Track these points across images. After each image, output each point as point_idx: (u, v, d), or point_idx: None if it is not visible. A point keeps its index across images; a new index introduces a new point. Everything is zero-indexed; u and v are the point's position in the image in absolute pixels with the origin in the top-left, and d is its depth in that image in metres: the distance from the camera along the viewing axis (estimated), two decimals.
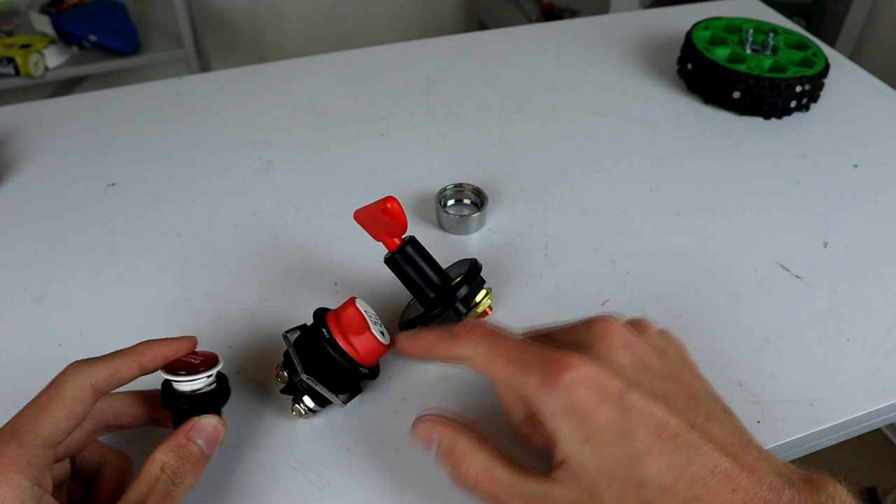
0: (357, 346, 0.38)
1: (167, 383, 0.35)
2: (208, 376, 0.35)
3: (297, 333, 0.40)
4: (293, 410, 0.40)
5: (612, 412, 0.30)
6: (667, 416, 0.30)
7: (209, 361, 0.36)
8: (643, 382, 0.31)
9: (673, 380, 0.33)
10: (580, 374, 0.30)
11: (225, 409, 0.38)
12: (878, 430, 1.37)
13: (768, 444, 0.40)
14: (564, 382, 0.30)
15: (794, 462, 0.43)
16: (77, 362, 0.33)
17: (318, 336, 0.38)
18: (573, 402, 0.30)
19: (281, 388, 0.41)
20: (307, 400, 0.39)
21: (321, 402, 0.40)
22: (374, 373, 0.41)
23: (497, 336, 0.34)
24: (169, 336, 0.37)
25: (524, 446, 0.37)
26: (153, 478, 0.31)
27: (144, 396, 0.37)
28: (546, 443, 0.33)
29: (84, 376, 0.32)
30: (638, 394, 0.30)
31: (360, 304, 0.39)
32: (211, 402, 0.35)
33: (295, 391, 0.40)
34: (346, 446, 0.40)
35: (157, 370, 0.35)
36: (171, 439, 0.33)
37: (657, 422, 0.30)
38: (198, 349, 0.37)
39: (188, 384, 0.34)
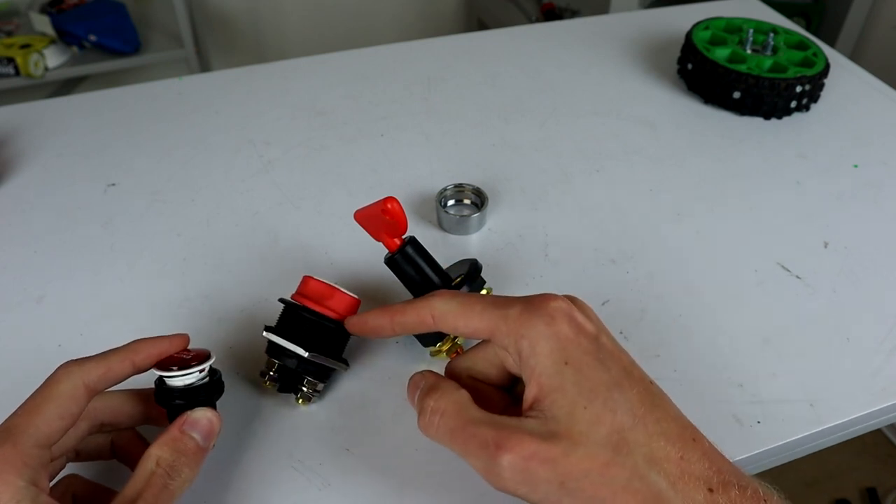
0: (335, 308, 0.40)
1: (160, 380, 0.35)
2: (200, 370, 0.35)
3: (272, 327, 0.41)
4: (299, 399, 0.40)
5: (589, 344, 0.32)
6: (631, 365, 0.33)
7: (201, 356, 0.36)
8: (608, 336, 0.34)
9: (623, 349, 0.35)
10: (561, 305, 0.32)
11: (225, 410, 0.38)
12: (879, 431, 1.37)
13: (768, 444, 0.40)
14: (548, 309, 0.32)
15: (794, 462, 0.43)
16: (69, 362, 0.33)
17: (297, 317, 0.40)
18: (555, 327, 0.31)
19: (278, 388, 0.41)
20: (310, 381, 0.40)
21: (324, 376, 0.40)
22: None
23: (468, 293, 0.35)
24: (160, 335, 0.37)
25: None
26: (149, 473, 0.31)
27: (139, 395, 0.37)
28: (505, 404, 0.35)
29: (76, 375, 0.32)
30: (607, 338, 0.33)
31: (317, 278, 0.41)
32: (204, 396, 0.35)
33: (293, 381, 0.40)
34: (346, 446, 0.40)
35: (150, 368, 0.35)
36: (166, 434, 0.33)
37: (626, 364, 0.32)
38: (196, 348, 0.37)
39: (180, 379, 0.34)
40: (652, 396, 0.31)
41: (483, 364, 0.36)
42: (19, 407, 0.32)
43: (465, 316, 0.34)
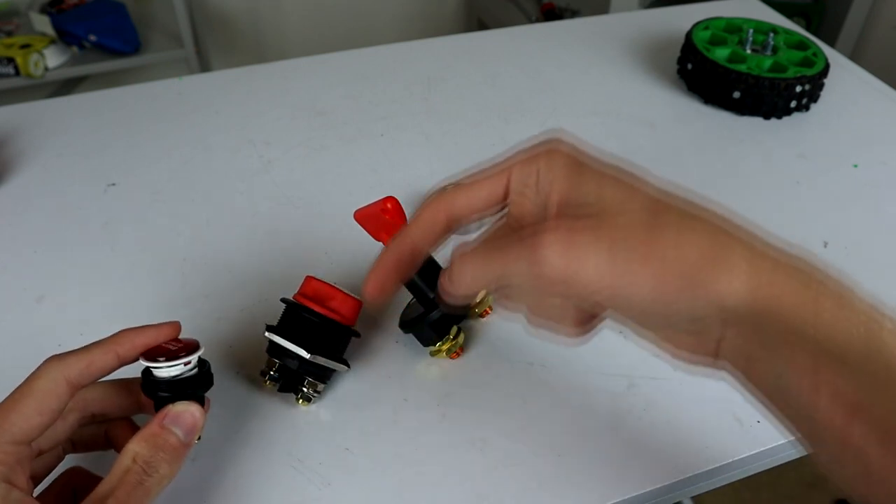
0: (337, 309, 0.40)
1: (147, 370, 0.35)
2: (186, 363, 0.34)
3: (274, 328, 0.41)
4: (300, 400, 0.40)
5: (599, 156, 0.31)
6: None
7: (190, 347, 0.35)
8: None
9: None
10: (561, 136, 0.31)
11: (225, 409, 0.38)
12: None
13: (768, 444, 0.40)
14: (551, 142, 0.31)
15: (794, 462, 0.43)
16: (52, 357, 0.33)
17: (299, 318, 0.39)
18: (562, 148, 0.30)
19: (278, 388, 0.41)
20: (311, 381, 0.40)
21: (324, 377, 0.40)
22: (357, 332, 0.42)
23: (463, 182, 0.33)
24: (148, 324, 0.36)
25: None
26: (124, 469, 0.31)
27: (130, 385, 0.36)
28: None
29: (57, 370, 0.32)
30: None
31: (320, 279, 0.41)
32: (191, 388, 0.35)
33: (294, 382, 0.40)
34: (346, 446, 0.40)
35: (136, 359, 0.34)
36: (145, 429, 0.32)
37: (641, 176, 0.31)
38: (186, 338, 0.37)
39: (166, 370, 0.34)
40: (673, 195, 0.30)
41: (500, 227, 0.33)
42: None
43: (475, 188, 0.31)
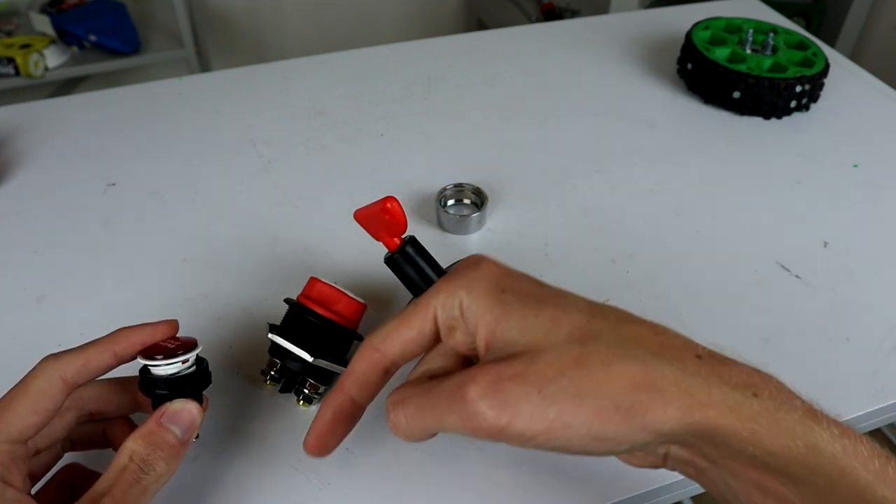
0: (342, 312, 0.40)
1: (145, 368, 0.35)
2: (184, 360, 0.34)
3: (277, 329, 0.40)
4: (300, 402, 0.40)
5: (520, 275, 0.31)
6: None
7: (187, 345, 0.35)
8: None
9: None
10: (481, 255, 0.32)
11: (225, 409, 0.38)
12: (879, 430, 1.37)
13: None
14: (469, 261, 0.32)
15: None
16: (48, 356, 0.33)
17: (303, 320, 0.39)
18: (482, 268, 0.31)
19: (279, 388, 0.41)
20: (313, 384, 0.40)
21: (326, 379, 0.40)
22: (360, 335, 0.42)
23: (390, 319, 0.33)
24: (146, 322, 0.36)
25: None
26: (121, 467, 0.30)
27: (127, 383, 0.36)
28: None
29: (53, 369, 0.32)
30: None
31: (324, 280, 0.41)
32: (189, 386, 0.34)
33: (294, 383, 0.40)
34: (346, 446, 0.40)
35: (134, 357, 0.34)
36: (143, 427, 0.32)
37: (564, 291, 0.31)
38: (184, 336, 0.36)
39: (163, 368, 0.34)
40: (597, 303, 0.30)
41: (438, 360, 0.33)
42: None
43: (405, 323, 0.31)
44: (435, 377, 0.32)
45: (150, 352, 0.34)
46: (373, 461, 0.39)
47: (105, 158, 0.62)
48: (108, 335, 0.34)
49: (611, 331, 0.27)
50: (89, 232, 0.54)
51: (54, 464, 0.35)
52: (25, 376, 0.32)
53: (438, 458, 0.39)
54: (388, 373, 0.32)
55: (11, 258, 0.52)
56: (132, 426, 0.37)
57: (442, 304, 0.30)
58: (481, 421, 0.26)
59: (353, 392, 0.32)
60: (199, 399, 0.35)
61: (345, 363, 0.41)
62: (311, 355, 0.38)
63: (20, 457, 0.31)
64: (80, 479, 0.36)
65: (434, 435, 0.30)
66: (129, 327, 0.35)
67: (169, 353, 0.34)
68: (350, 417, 0.33)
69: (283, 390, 0.41)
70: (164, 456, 0.31)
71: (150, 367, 0.34)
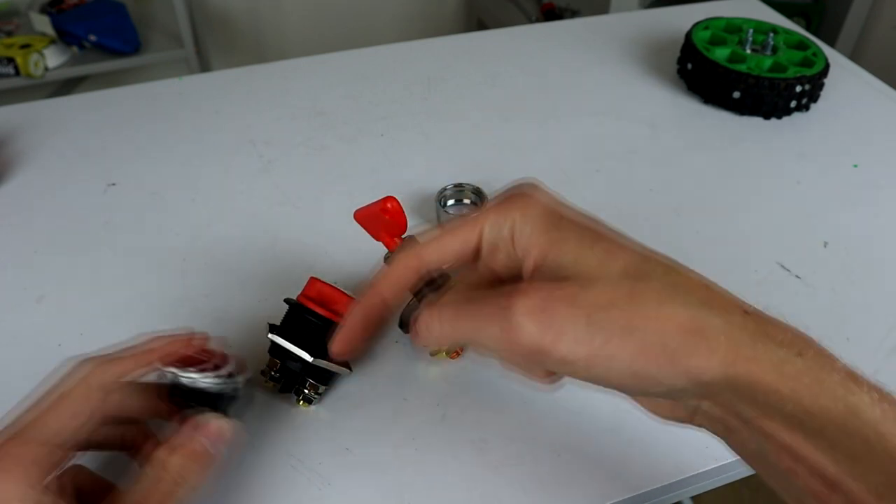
0: (342, 313, 0.40)
1: (176, 378, 0.35)
2: (217, 376, 0.34)
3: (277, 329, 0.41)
4: (300, 402, 0.40)
5: (572, 208, 0.30)
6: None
7: (222, 361, 0.35)
8: None
9: None
10: (534, 183, 0.31)
11: None
12: None
13: None
14: (523, 189, 0.30)
15: None
16: (85, 360, 0.33)
17: (303, 320, 0.39)
18: (537, 198, 0.30)
19: (279, 388, 0.41)
20: (313, 384, 0.40)
21: (326, 379, 0.41)
22: None
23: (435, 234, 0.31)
24: (178, 332, 0.36)
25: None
26: (155, 478, 0.31)
27: (149, 389, 0.36)
28: None
29: (93, 376, 0.32)
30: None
31: (324, 280, 0.41)
32: (218, 402, 0.34)
33: (295, 383, 0.40)
34: (346, 446, 0.40)
35: (168, 367, 0.34)
36: (175, 438, 0.32)
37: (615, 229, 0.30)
38: (218, 349, 0.37)
39: (196, 381, 0.34)
40: (653, 251, 0.29)
41: (473, 279, 0.32)
42: (31, 404, 0.31)
43: (448, 236, 0.30)
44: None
45: (185, 363, 0.34)
46: (373, 461, 0.39)
47: (105, 158, 0.62)
48: (143, 344, 0.34)
49: (664, 274, 0.27)
50: (89, 232, 0.54)
51: (65, 462, 0.35)
52: (62, 379, 0.32)
53: (438, 459, 0.39)
54: (421, 279, 0.32)
55: (11, 258, 0.52)
56: (150, 435, 0.36)
57: (492, 224, 0.29)
58: (524, 335, 0.26)
59: (387, 293, 0.31)
60: (227, 413, 0.35)
61: (345, 363, 0.41)
62: (311, 355, 0.38)
63: (57, 461, 0.31)
64: (85, 481, 0.35)
65: (458, 353, 0.29)
66: (163, 336, 0.35)
67: (204, 367, 0.34)
68: (379, 319, 0.32)
69: (283, 390, 0.41)
70: (196, 468, 0.32)
71: (182, 379, 0.34)
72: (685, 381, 0.25)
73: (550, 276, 0.27)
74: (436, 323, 0.29)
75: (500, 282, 0.31)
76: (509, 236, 0.29)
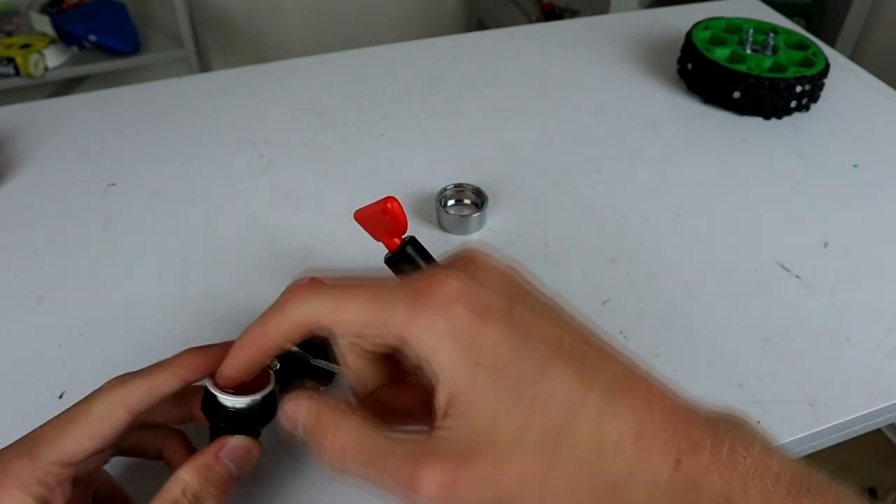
0: None
1: (210, 392, 0.33)
2: (253, 399, 0.32)
3: None
4: None
5: (500, 327, 0.26)
6: (560, 330, 0.27)
7: (261, 380, 0.33)
8: (525, 301, 0.28)
9: (549, 305, 0.29)
10: (455, 288, 0.26)
11: None
12: (878, 430, 1.37)
13: None
14: (440, 298, 0.26)
15: None
16: (115, 379, 0.31)
17: None
18: (454, 322, 0.25)
19: (280, 388, 0.41)
20: (313, 384, 0.40)
21: (327, 379, 0.41)
22: None
23: (341, 284, 0.28)
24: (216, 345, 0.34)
25: (387, 420, 0.29)
26: (173, 500, 0.29)
27: (185, 395, 0.34)
28: (415, 403, 0.29)
29: (118, 394, 0.31)
30: (524, 309, 0.27)
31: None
32: (252, 423, 0.33)
33: (294, 383, 0.40)
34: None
35: (199, 379, 0.33)
36: (199, 458, 0.31)
37: (552, 336, 0.26)
38: (267, 372, 0.35)
39: (231, 401, 0.32)
40: (590, 365, 0.26)
41: (373, 375, 0.30)
42: (53, 418, 0.30)
43: (341, 313, 0.27)
44: (365, 394, 0.30)
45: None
46: None
47: (105, 158, 0.62)
48: (173, 358, 0.33)
49: (589, 435, 0.24)
50: (89, 232, 0.54)
51: (100, 466, 0.34)
52: (89, 396, 0.31)
53: None
54: (319, 331, 0.29)
55: (11, 258, 0.52)
56: (189, 445, 0.35)
57: (395, 339, 0.27)
58: None
59: (262, 355, 0.30)
60: (258, 435, 0.33)
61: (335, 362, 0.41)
62: (311, 355, 0.38)
63: (66, 479, 0.30)
64: (103, 488, 0.35)
65: None
66: (196, 349, 0.33)
67: (241, 386, 0.32)
68: (257, 367, 0.31)
69: (284, 390, 0.41)
70: (215, 492, 0.30)
71: (216, 395, 0.32)
72: None
73: (460, 435, 0.25)
74: (341, 469, 0.27)
75: (401, 375, 0.30)
76: (415, 357, 0.26)
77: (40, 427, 0.30)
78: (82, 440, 0.30)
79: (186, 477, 0.30)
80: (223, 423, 0.32)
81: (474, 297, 0.26)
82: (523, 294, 0.28)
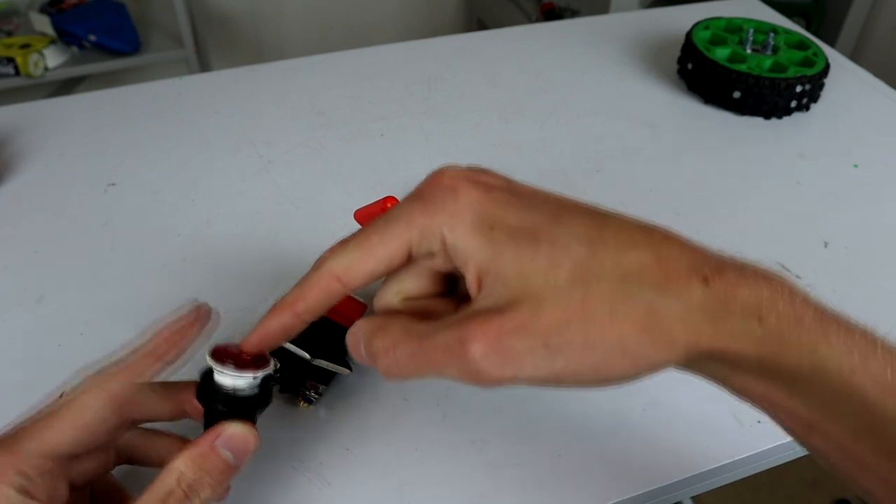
0: (342, 312, 0.40)
1: (208, 373, 0.31)
2: (254, 377, 0.31)
3: None
4: (301, 402, 0.40)
5: (505, 194, 0.28)
6: (560, 196, 0.29)
7: (260, 362, 0.32)
8: (517, 182, 0.30)
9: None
10: (455, 175, 0.28)
11: None
12: None
13: (769, 444, 0.40)
14: (445, 185, 0.28)
15: (794, 462, 0.43)
16: (92, 374, 0.31)
17: None
18: (462, 197, 0.27)
19: (279, 388, 0.41)
20: (313, 383, 0.40)
21: (327, 379, 0.41)
22: None
23: (357, 232, 0.30)
24: (181, 310, 0.33)
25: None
26: (167, 490, 0.29)
27: (172, 387, 0.33)
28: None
29: (97, 384, 0.30)
30: (520, 184, 0.29)
31: None
32: (249, 406, 0.32)
33: (295, 383, 0.40)
34: (346, 446, 0.40)
35: (182, 360, 0.32)
36: (195, 447, 0.30)
37: (554, 197, 0.28)
38: (266, 355, 0.33)
39: (231, 379, 0.31)
40: (598, 213, 0.28)
41: (412, 281, 0.31)
42: (37, 411, 0.30)
43: (372, 256, 0.29)
44: (411, 300, 0.31)
45: (221, 356, 0.31)
46: (373, 461, 0.39)
47: (105, 158, 0.62)
48: (146, 341, 0.32)
49: (613, 266, 0.26)
50: (89, 232, 0.54)
51: (100, 474, 0.33)
52: (73, 390, 0.30)
53: (438, 459, 0.39)
54: (345, 292, 0.30)
55: (11, 258, 0.52)
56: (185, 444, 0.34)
57: (420, 234, 0.28)
58: (484, 376, 0.25)
59: (305, 317, 0.31)
60: (254, 420, 0.32)
61: (345, 363, 0.41)
62: (311, 355, 0.38)
63: (50, 471, 0.29)
64: (102, 489, 0.34)
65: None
66: (161, 328, 0.32)
67: (242, 365, 0.31)
68: (295, 332, 0.31)
69: (283, 390, 0.41)
70: (212, 482, 0.29)
71: (215, 373, 0.31)
72: (653, 370, 0.26)
73: (498, 297, 0.26)
74: (395, 368, 0.28)
75: (443, 277, 0.31)
76: (441, 246, 0.28)
77: (23, 421, 0.30)
78: (64, 430, 0.29)
79: (181, 466, 0.29)
80: (220, 405, 0.31)
81: (474, 177, 0.28)
82: (516, 180, 0.30)
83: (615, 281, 0.25)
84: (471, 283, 0.27)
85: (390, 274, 0.30)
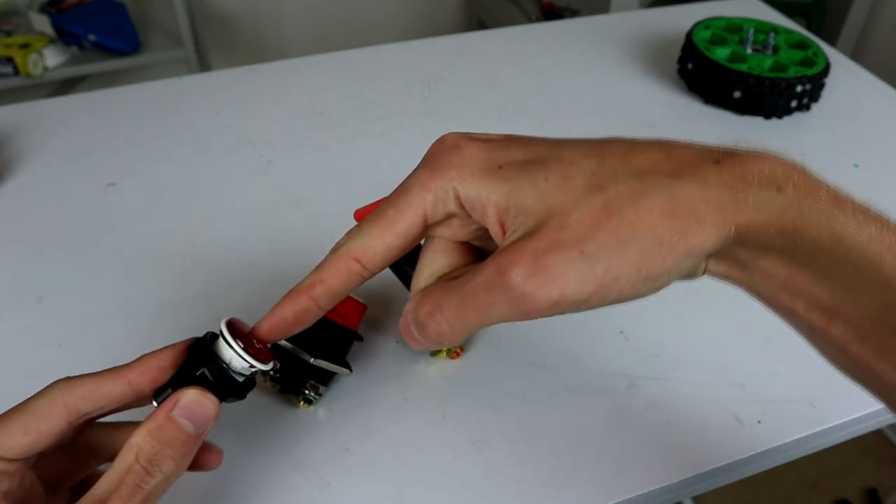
0: (341, 312, 0.40)
1: (213, 337, 0.31)
2: (251, 366, 0.31)
3: None
4: (301, 402, 0.40)
5: (506, 142, 0.28)
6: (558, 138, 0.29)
7: (262, 355, 0.32)
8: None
9: None
10: (456, 136, 0.29)
11: (225, 409, 0.38)
12: (879, 431, 1.37)
13: (769, 444, 0.40)
14: (448, 147, 0.29)
15: (795, 462, 0.43)
16: (60, 379, 0.31)
17: None
18: (466, 152, 0.28)
19: (279, 388, 0.41)
20: (313, 384, 0.40)
21: (326, 379, 0.41)
22: (360, 335, 0.43)
23: (371, 213, 0.30)
24: (171, 343, 0.32)
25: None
26: (125, 468, 0.27)
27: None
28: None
29: (58, 392, 0.30)
30: (518, 135, 0.29)
31: None
32: (227, 387, 0.31)
33: (295, 383, 0.40)
34: (346, 446, 0.40)
35: (150, 387, 0.30)
36: (150, 420, 0.29)
37: (553, 139, 0.29)
38: (271, 354, 0.33)
39: (232, 353, 0.30)
40: (597, 139, 0.28)
41: (440, 260, 0.31)
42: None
43: (390, 230, 0.29)
44: (446, 277, 0.30)
45: (233, 330, 0.31)
46: (373, 461, 0.39)
47: (105, 158, 0.62)
48: (128, 363, 0.31)
49: (624, 166, 0.26)
50: (89, 232, 0.54)
51: (77, 473, 0.33)
52: (32, 395, 0.30)
53: (438, 458, 0.39)
54: (365, 275, 0.30)
55: (11, 258, 0.52)
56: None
57: (433, 202, 0.28)
58: (532, 301, 0.25)
59: (321, 301, 0.30)
60: (221, 402, 0.31)
61: (345, 363, 0.41)
62: (311, 355, 0.38)
63: (19, 471, 0.29)
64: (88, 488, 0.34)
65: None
66: (147, 354, 0.31)
67: (250, 348, 0.31)
68: (310, 319, 0.31)
69: (284, 390, 0.41)
70: (174, 454, 0.28)
71: (222, 341, 0.30)
72: (691, 260, 0.26)
73: (524, 227, 0.26)
74: (445, 327, 0.28)
75: (468, 247, 0.31)
76: (457, 205, 0.28)
77: None
78: (15, 435, 0.29)
79: (139, 441, 0.28)
80: (206, 368, 0.30)
81: (475, 135, 0.29)
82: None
83: (631, 179, 0.26)
84: (494, 228, 0.27)
85: (417, 259, 0.31)
